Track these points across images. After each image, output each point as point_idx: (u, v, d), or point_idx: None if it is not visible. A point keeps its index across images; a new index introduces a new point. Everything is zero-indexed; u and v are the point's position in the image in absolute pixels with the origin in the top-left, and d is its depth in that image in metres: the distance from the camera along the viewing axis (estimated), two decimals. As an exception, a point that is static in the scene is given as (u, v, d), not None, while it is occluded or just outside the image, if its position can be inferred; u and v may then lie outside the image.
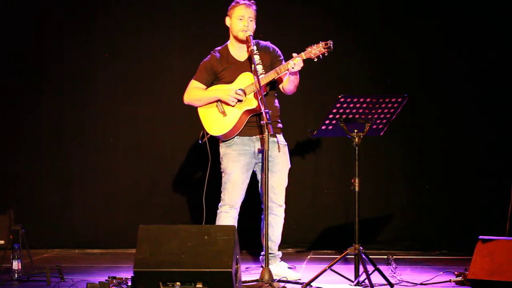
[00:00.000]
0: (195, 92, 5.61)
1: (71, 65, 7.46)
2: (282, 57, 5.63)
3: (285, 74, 5.50)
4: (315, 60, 5.45)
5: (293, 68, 5.39)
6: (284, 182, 5.65)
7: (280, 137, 5.60)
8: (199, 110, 5.61)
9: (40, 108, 7.49)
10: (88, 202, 7.45)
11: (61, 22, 7.47)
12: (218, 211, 5.59)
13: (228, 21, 5.61)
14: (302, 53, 5.43)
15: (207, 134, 5.57)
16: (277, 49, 5.65)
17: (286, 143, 5.65)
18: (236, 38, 5.58)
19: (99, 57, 7.45)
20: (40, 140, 7.49)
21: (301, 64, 5.40)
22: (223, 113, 5.53)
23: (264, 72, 5.50)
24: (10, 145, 7.49)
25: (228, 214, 5.56)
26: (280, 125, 5.66)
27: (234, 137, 5.55)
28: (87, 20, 7.46)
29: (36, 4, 7.44)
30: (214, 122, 5.55)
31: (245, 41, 5.55)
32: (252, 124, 5.54)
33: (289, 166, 5.63)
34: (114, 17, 7.46)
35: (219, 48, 5.68)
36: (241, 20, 5.53)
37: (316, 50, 5.43)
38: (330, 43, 5.41)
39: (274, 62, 5.57)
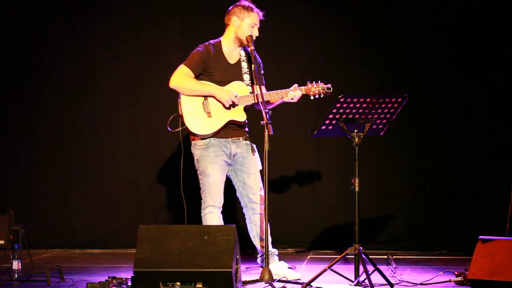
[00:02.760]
0: (189, 80, 5.45)
1: (71, 65, 7.46)
2: (262, 69, 5.58)
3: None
4: (312, 98, 5.48)
5: (292, 99, 5.45)
6: (260, 181, 5.61)
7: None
8: (183, 100, 5.50)
9: (40, 108, 7.48)
10: (88, 202, 7.44)
11: (61, 22, 7.47)
12: (202, 213, 5.54)
13: (236, 22, 5.49)
14: (303, 87, 5.47)
15: (184, 125, 5.47)
16: (259, 60, 5.59)
17: (255, 145, 5.63)
18: (240, 41, 5.52)
19: (99, 57, 7.45)
20: (40, 140, 7.48)
21: (299, 98, 5.45)
22: (209, 114, 5.46)
23: (250, 84, 5.51)
24: (10, 145, 7.49)
25: (213, 214, 5.52)
26: (247, 129, 5.63)
27: (211, 139, 5.50)
28: (87, 20, 7.46)
29: (36, 3, 7.44)
30: (196, 119, 5.46)
31: (243, 45, 5.54)
32: (229, 127, 5.51)
33: (261, 167, 5.57)
34: (114, 17, 7.45)
35: (212, 42, 5.57)
36: (253, 28, 5.49)
37: (316, 90, 5.47)
38: (331, 88, 5.46)
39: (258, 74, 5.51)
